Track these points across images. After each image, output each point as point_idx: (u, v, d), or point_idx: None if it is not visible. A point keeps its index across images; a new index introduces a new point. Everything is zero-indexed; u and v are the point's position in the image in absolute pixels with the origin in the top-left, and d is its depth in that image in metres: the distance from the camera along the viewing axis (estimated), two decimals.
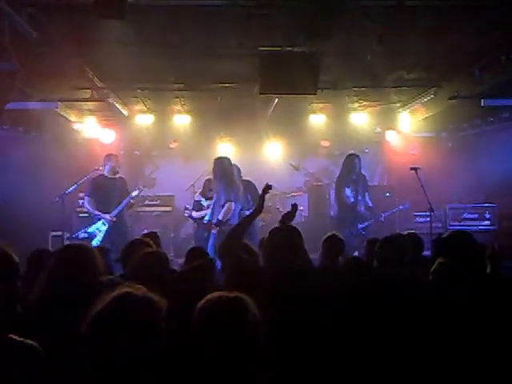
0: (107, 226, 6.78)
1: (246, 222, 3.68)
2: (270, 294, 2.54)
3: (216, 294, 1.82)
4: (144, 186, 7.51)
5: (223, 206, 6.28)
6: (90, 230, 6.80)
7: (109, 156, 7.18)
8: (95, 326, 1.60)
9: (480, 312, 2.65)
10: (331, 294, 2.94)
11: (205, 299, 1.81)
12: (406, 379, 2.43)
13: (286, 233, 3.30)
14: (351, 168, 7.37)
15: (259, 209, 3.65)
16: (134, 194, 7.08)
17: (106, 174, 7.03)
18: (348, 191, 7.30)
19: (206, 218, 6.54)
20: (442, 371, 2.42)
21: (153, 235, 4.59)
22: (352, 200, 7.29)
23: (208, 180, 7.88)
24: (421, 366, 2.44)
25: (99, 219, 6.81)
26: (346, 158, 7.59)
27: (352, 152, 7.79)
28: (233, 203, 6.26)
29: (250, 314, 1.77)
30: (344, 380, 2.43)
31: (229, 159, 6.63)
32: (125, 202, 6.96)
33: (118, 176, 7.12)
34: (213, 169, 6.51)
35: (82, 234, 6.79)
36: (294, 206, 3.86)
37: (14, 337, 1.87)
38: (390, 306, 2.80)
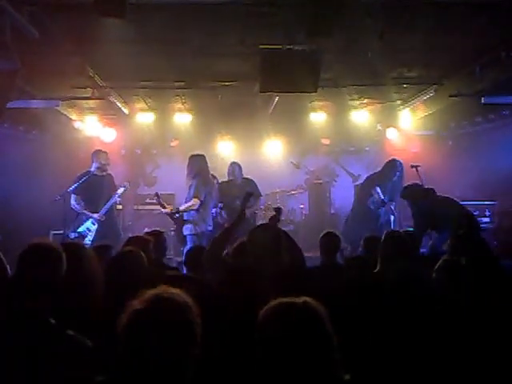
0: (97, 225, 6.70)
1: (228, 232, 3.65)
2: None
3: (281, 300, 1.74)
4: (129, 183, 7.33)
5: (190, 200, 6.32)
6: (80, 229, 6.68)
7: (97, 152, 6.99)
8: (132, 328, 1.58)
9: (482, 310, 2.66)
10: (327, 292, 2.96)
11: (272, 307, 1.74)
12: (407, 378, 2.44)
13: (268, 232, 3.33)
14: (390, 172, 7.07)
15: (240, 219, 3.66)
16: (120, 191, 6.98)
17: (93, 171, 6.86)
18: (378, 189, 7.05)
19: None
20: (444, 370, 2.44)
21: (156, 233, 4.60)
22: (380, 198, 7.01)
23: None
24: (422, 365, 2.45)
25: (87, 219, 6.70)
26: (389, 162, 7.25)
27: (394, 158, 7.37)
28: (198, 201, 6.24)
29: (323, 317, 1.72)
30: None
31: (204, 157, 6.60)
32: (112, 200, 6.87)
33: (105, 173, 6.97)
34: (188, 165, 6.48)
35: (72, 234, 6.62)
36: (278, 210, 3.88)
37: (70, 332, 1.92)
38: (391, 303, 2.81)
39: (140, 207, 9.41)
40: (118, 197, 7.08)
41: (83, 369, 1.81)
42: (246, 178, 7.41)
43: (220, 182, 7.35)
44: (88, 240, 6.60)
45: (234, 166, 7.38)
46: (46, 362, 1.81)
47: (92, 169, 6.90)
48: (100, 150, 7.12)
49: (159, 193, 6.96)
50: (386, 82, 7.00)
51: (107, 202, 6.84)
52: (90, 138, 8.68)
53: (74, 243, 3.06)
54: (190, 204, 6.30)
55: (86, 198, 6.79)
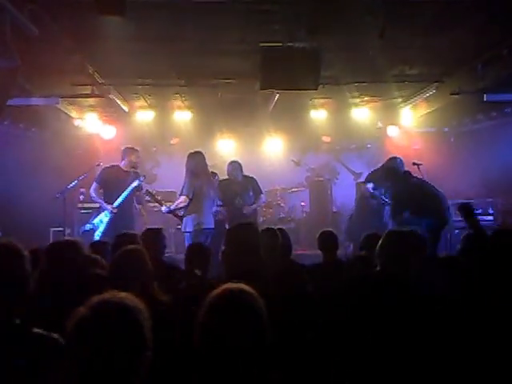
0: (109, 217, 6.65)
1: None
2: None
3: (222, 288, 1.76)
4: (144, 177, 7.21)
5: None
6: (94, 221, 6.67)
7: (128, 150, 6.96)
8: (77, 335, 1.55)
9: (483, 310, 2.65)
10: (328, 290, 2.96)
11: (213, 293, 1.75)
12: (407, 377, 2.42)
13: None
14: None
15: None
16: (134, 184, 6.86)
17: (121, 165, 6.85)
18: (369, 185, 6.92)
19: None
20: (444, 370, 2.42)
21: (155, 231, 4.58)
22: (370, 191, 6.82)
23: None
24: (422, 364, 2.43)
25: (103, 210, 6.67)
26: (389, 159, 6.76)
27: (395, 155, 7.23)
28: (187, 199, 6.23)
29: (258, 307, 1.72)
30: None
31: (199, 154, 6.55)
32: (126, 193, 6.77)
33: (132, 170, 6.90)
34: (186, 162, 6.47)
35: (87, 226, 6.66)
36: None
37: (38, 330, 1.89)
38: (391, 302, 2.80)
39: (140, 205, 9.38)
40: (132, 190, 7.04)
41: (54, 367, 1.78)
42: (247, 176, 7.40)
43: (219, 180, 7.33)
44: (99, 232, 6.56)
45: (234, 165, 7.36)
46: (8, 360, 1.78)
47: (121, 164, 6.88)
48: (132, 148, 7.06)
49: (154, 190, 6.93)
50: (387, 79, 6.97)
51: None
52: (90, 136, 8.67)
53: (67, 241, 3.05)
54: (178, 202, 6.34)
55: (106, 189, 6.76)
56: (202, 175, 6.43)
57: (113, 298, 1.60)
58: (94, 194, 6.75)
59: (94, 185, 6.74)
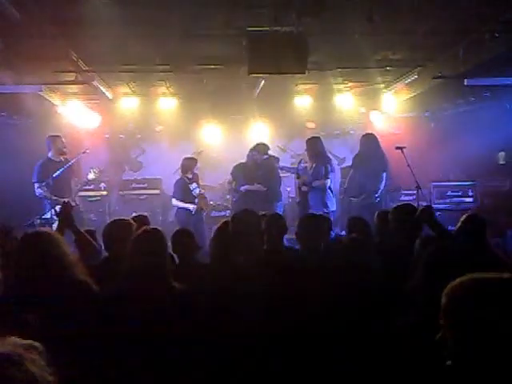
0: None
1: None
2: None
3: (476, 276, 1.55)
4: (98, 168, 7.10)
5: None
6: (46, 216, 6.44)
7: (52, 138, 6.89)
8: None
9: None
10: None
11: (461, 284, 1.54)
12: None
13: None
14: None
15: None
16: (90, 177, 6.87)
17: (50, 157, 6.76)
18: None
19: None
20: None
21: (142, 218, 4.60)
22: None
23: (188, 159, 7.84)
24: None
25: (55, 204, 6.37)
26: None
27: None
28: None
29: None
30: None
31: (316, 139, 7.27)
32: (80, 185, 6.81)
33: (63, 158, 6.83)
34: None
35: (37, 221, 6.31)
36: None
37: None
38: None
39: (126, 192, 9.36)
40: (86, 182, 6.96)
41: None
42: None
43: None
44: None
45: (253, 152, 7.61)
46: None
47: (49, 155, 6.78)
48: (54, 135, 6.97)
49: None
50: (371, 64, 7.02)
51: (68, 186, 6.72)
52: (74, 123, 8.57)
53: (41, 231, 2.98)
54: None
55: (48, 184, 6.58)
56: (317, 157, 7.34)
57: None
58: (42, 193, 6.56)
59: (37, 185, 6.58)
